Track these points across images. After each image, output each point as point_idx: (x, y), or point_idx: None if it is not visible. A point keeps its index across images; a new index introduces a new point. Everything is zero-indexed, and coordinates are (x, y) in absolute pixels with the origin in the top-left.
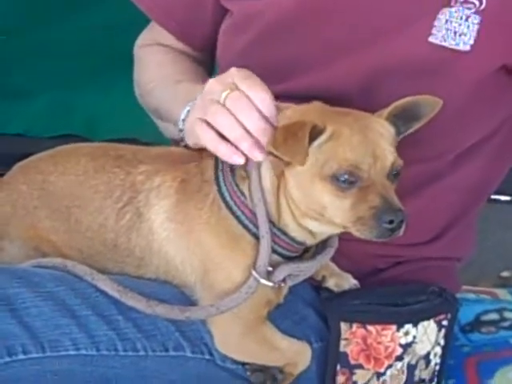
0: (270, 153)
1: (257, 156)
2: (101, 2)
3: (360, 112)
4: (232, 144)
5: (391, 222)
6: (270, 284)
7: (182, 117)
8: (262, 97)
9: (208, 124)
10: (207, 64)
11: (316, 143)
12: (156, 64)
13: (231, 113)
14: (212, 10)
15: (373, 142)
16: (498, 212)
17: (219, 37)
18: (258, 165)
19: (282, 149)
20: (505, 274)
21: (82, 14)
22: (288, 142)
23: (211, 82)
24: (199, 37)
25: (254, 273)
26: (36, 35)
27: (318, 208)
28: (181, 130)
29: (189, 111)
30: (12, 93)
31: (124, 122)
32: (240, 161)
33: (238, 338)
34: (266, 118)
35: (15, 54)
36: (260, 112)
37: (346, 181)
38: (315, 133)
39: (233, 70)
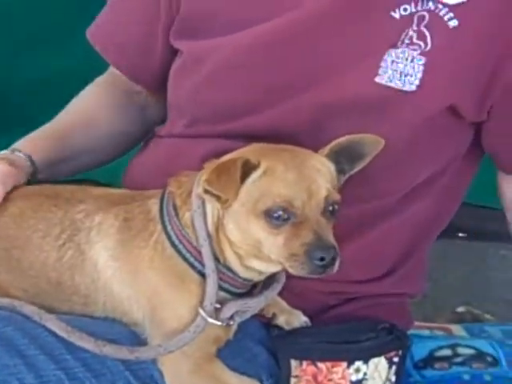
0: (206, 191)
1: None
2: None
3: (298, 148)
4: None
5: (322, 259)
6: (218, 323)
7: None
8: None
9: None
10: (155, 104)
11: (250, 179)
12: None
13: None
14: (161, 52)
15: (308, 178)
16: (455, 248)
17: (170, 77)
18: (202, 204)
19: (215, 186)
20: (460, 309)
21: (42, 54)
22: (221, 179)
23: None
24: (147, 76)
25: (201, 312)
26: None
27: (254, 245)
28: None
29: None
30: None
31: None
32: None
33: (187, 376)
34: None
35: None
36: None
37: (279, 217)
38: (249, 169)
39: None
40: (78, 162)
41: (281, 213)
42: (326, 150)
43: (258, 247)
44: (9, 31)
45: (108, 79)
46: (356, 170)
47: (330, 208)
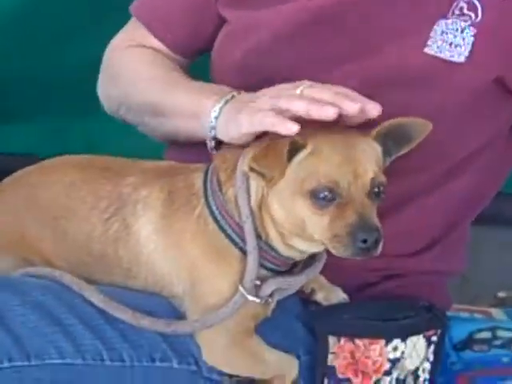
0: (251, 169)
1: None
2: (100, 30)
3: (347, 129)
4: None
5: (365, 241)
6: (258, 300)
7: (215, 114)
8: (342, 88)
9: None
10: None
11: (296, 159)
12: (148, 63)
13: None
14: (212, 23)
15: (354, 159)
16: (496, 233)
17: (215, 45)
18: (247, 181)
19: (262, 163)
20: (501, 294)
21: (82, 40)
22: (268, 157)
23: (282, 84)
24: (194, 50)
25: (241, 289)
26: (34, 60)
27: (298, 224)
28: (212, 128)
29: (221, 108)
30: (11, 115)
31: (122, 145)
32: (294, 128)
33: (224, 350)
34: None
35: (14, 77)
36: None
37: (325, 198)
38: (296, 149)
39: (305, 80)
40: None
41: (326, 193)
42: (374, 132)
43: (302, 227)
44: (43, 22)
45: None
46: (402, 152)
47: (376, 190)
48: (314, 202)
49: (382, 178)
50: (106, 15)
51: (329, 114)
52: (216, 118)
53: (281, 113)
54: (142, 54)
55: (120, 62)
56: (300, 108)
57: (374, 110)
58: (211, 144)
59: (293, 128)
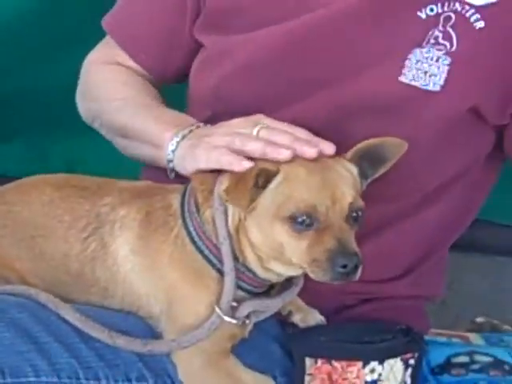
0: (226, 200)
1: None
2: (78, 48)
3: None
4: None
5: (345, 266)
6: (234, 321)
7: (172, 147)
8: (298, 128)
9: (233, 151)
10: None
11: (272, 185)
12: (120, 82)
13: (265, 141)
14: (187, 45)
15: (332, 183)
16: (475, 260)
17: (192, 71)
18: (224, 203)
19: (231, 194)
20: (479, 319)
21: (60, 59)
22: (237, 188)
23: (239, 119)
24: (168, 70)
25: (217, 310)
26: (13, 80)
27: (276, 248)
28: (170, 161)
29: (178, 142)
30: None
31: (103, 165)
32: (285, 156)
33: (200, 370)
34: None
35: None
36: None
37: (303, 222)
38: (269, 176)
39: (262, 115)
40: None
41: (304, 218)
42: (350, 154)
43: (280, 251)
44: (29, 36)
45: (132, 73)
46: (379, 173)
47: (354, 214)
48: (291, 226)
49: (360, 203)
50: (84, 36)
51: (285, 156)
52: (173, 151)
53: (236, 151)
54: (116, 73)
55: (95, 79)
56: (255, 150)
57: (328, 149)
58: (171, 175)
59: (247, 166)
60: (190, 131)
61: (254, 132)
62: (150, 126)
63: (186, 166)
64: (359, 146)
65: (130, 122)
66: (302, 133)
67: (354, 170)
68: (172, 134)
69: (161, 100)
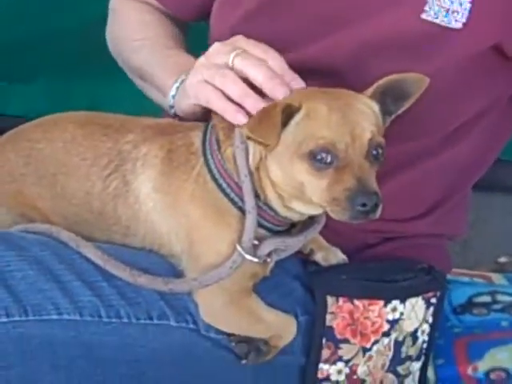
0: (248, 137)
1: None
2: None
3: (342, 90)
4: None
5: (364, 205)
6: (256, 260)
7: (172, 93)
8: (273, 55)
9: (214, 86)
10: (185, 29)
11: (293, 122)
12: (141, 22)
13: (241, 72)
14: None
15: (352, 120)
16: (497, 199)
17: (213, 8)
18: (245, 140)
19: (256, 131)
20: (502, 259)
21: (83, 2)
22: (262, 124)
23: (217, 44)
24: (191, 10)
25: (238, 248)
26: (35, 21)
27: (297, 187)
28: (171, 107)
29: (178, 88)
30: (11, 76)
31: (125, 107)
32: (243, 120)
33: (222, 308)
34: (277, 75)
35: (14, 39)
36: (271, 68)
37: (322, 159)
38: (291, 112)
39: (240, 37)
40: None
41: (324, 155)
42: (371, 90)
43: (301, 189)
44: None
45: (153, 11)
46: (402, 110)
47: (374, 152)
48: (311, 164)
49: (380, 139)
50: None
51: (239, 120)
52: (173, 96)
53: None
54: (138, 12)
55: (119, 17)
56: (233, 95)
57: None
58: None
59: (242, 120)
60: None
61: (230, 60)
62: (159, 72)
63: (180, 104)
64: (380, 82)
65: (145, 64)
66: (276, 61)
67: (375, 106)
68: (173, 81)
69: (180, 41)
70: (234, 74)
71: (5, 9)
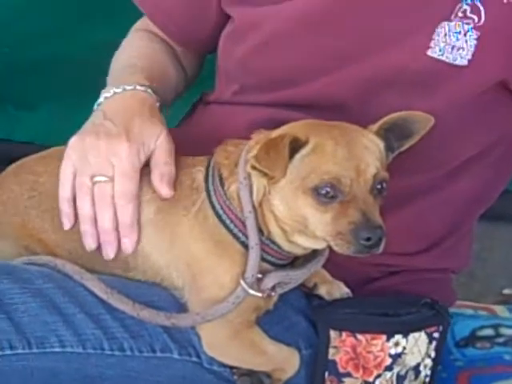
0: (253, 167)
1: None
2: (107, 18)
3: (347, 125)
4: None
5: (369, 239)
6: (259, 294)
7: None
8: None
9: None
10: (192, 62)
11: (298, 156)
12: (134, 47)
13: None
14: (214, 17)
15: (357, 156)
16: (503, 230)
17: (220, 42)
18: (249, 177)
19: (263, 162)
20: (507, 291)
21: (88, 28)
22: (269, 155)
23: (100, 152)
24: (197, 42)
25: (242, 283)
26: (41, 48)
27: (301, 221)
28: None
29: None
30: (17, 102)
31: None
32: (92, 246)
33: (225, 341)
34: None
35: (21, 65)
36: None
37: (327, 194)
38: (298, 146)
39: (123, 155)
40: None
41: (328, 190)
42: (376, 126)
43: (304, 224)
44: (53, 7)
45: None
46: (405, 147)
47: (378, 186)
48: (316, 198)
49: (385, 175)
50: (112, 7)
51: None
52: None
53: None
54: (138, 39)
55: (124, 42)
56: (81, 220)
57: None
58: None
59: (91, 246)
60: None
61: (95, 180)
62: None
63: None
64: (385, 118)
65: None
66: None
67: (380, 142)
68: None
69: (168, 76)
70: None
71: (12, 36)
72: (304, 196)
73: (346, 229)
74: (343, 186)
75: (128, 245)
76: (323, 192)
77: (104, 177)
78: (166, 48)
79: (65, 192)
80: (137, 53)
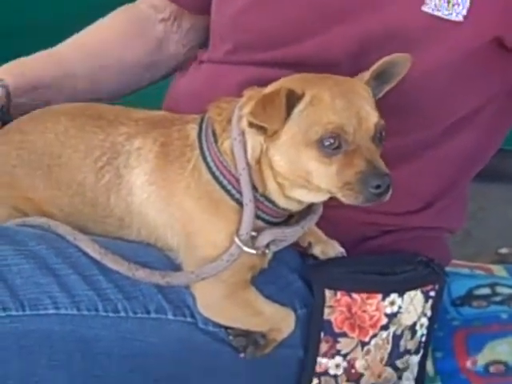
0: (250, 124)
1: None
2: None
3: (340, 76)
4: None
5: (378, 186)
6: (253, 252)
7: None
8: None
9: None
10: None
11: (296, 110)
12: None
13: None
14: None
15: (356, 104)
16: (499, 189)
17: (212, 3)
18: (243, 133)
19: (260, 117)
20: (503, 250)
21: None
22: (266, 110)
23: None
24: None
25: (236, 240)
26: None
27: (304, 175)
28: None
29: None
30: None
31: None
32: None
33: (220, 301)
34: None
35: (16, 27)
36: None
37: (331, 145)
38: (294, 100)
39: None
40: (71, 90)
41: (332, 141)
42: (367, 75)
43: (308, 177)
44: None
45: (129, 8)
46: (383, 92)
47: (379, 135)
48: (320, 151)
49: (383, 122)
50: None
51: None
52: None
53: None
54: (108, 18)
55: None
56: None
57: None
58: None
59: None
60: None
61: None
62: None
63: None
64: (375, 67)
65: None
66: None
67: (370, 90)
68: None
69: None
70: None
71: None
72: (307, 149)
73: (353, 179)
74: (347, 135)
75: None
76: (327, 143)
77: None
78: (128, 24)
79: None
80: (82, 40)
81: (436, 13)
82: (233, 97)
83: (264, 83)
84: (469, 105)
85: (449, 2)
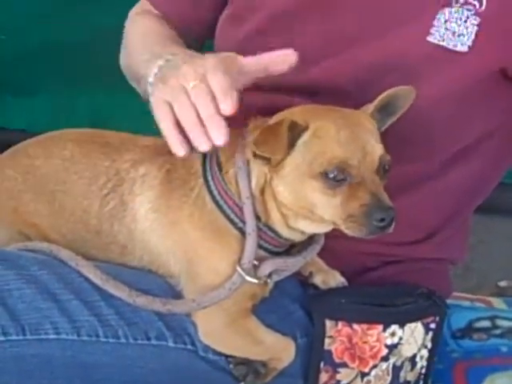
0: (254, 154)
1: (202, 145)
2: (105, 2)
3: (344, 108)
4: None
5: (382, 220)
6: (255, 281)
7: (150, 80)
8: (224, 92)
9: (170, 107)
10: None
11: (301, 141)
12: (144, 26)
13: (193, 104)
14: (212, 1)
15: (361, 137)
16: (499, 223)
17: (218, 25)
18: (248, 162)
19: (263, 147)
20: (502, 283)
21: (86, 13)
22: (268, 140)
23: (186, 67)
24: (195, 26)
25: (238, 269)
26: (39, 34)
27: (308, 206)
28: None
29: (156, 73)
30: (15, 89)
31: (127, 121)
32: (180, 152)
33: (221, 329)
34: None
35: (18, 52)
36: (217, 107)
37: (335, 177)
38: (298, 131)
39: (209, 58)
40: None
41: (337, 173)
42: (371, 107)
43: (312, 209)
44: None
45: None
46: (387, 124)
47: (385, 167)
48: (324, 182)
49: (388, 156)
50: None
51: (178, 151)
52: (150, 84)
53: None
54: (143, 25)
55: (128, 30)
56: (185, 125)
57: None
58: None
59: (179, 152)
60: (167, 60)
61: (190, 86)
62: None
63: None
64: (379, 99)
65: (132, 62)
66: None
67: (375, 124)
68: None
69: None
70: (192, 107)
71: (9, 23)
72: (311, 181)
73: (357, 211)
74: (351, 168)
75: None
76: (331, 175)
77: (198, 80)
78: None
79: (167, 120)
80: (156, 34)
81: (441, 43)
82: (238, 123)
83: (271, 109)
84: (473, 133)
85: (454, 33)
